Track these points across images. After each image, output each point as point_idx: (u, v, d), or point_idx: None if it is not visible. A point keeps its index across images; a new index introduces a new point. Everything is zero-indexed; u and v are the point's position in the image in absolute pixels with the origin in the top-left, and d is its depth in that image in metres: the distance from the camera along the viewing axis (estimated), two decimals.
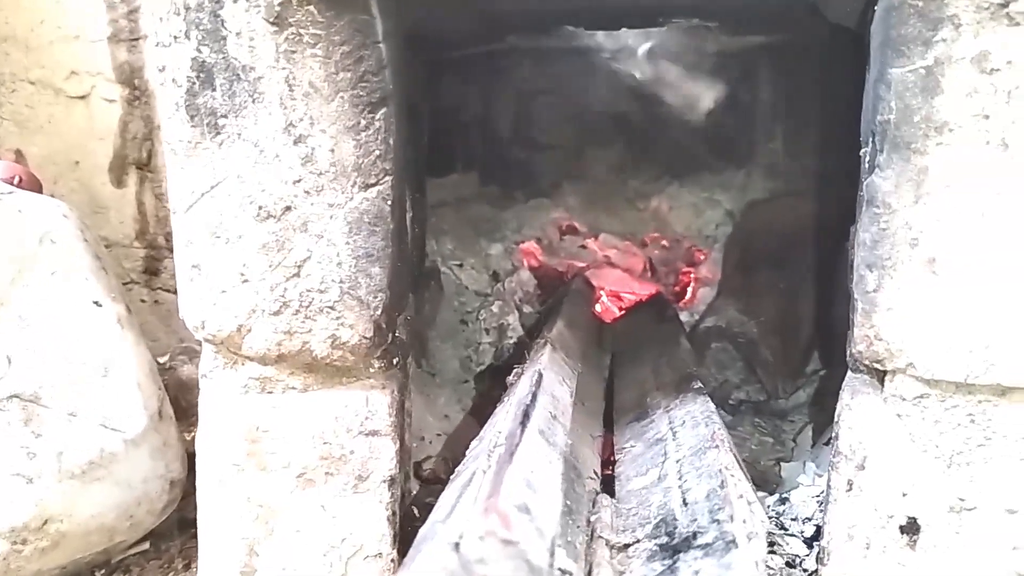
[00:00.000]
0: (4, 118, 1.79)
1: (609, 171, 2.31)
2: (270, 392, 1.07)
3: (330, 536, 1.08)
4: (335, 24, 0.97)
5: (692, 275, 2.23)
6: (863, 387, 1.04)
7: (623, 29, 2.05)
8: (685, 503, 0.94)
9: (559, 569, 0.74)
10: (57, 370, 1.32)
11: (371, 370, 1.08)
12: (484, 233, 2.23)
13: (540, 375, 1.09)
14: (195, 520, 1.46)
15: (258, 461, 1.06)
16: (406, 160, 1.10)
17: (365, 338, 1.04)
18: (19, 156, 1.74)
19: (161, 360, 1.74)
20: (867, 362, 0.99)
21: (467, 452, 1.02)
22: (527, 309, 2.01)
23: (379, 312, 1.04)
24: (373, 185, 1.01)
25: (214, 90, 0.99)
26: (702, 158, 2.20)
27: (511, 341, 1.89)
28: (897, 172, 0.93)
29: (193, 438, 1.55)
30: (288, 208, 1.01)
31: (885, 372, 1.00)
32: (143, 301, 1.84)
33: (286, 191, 1.00)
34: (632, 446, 1.18)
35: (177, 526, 1.51)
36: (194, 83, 0.98)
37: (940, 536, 0.99)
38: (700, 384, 1.28)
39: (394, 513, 1.09)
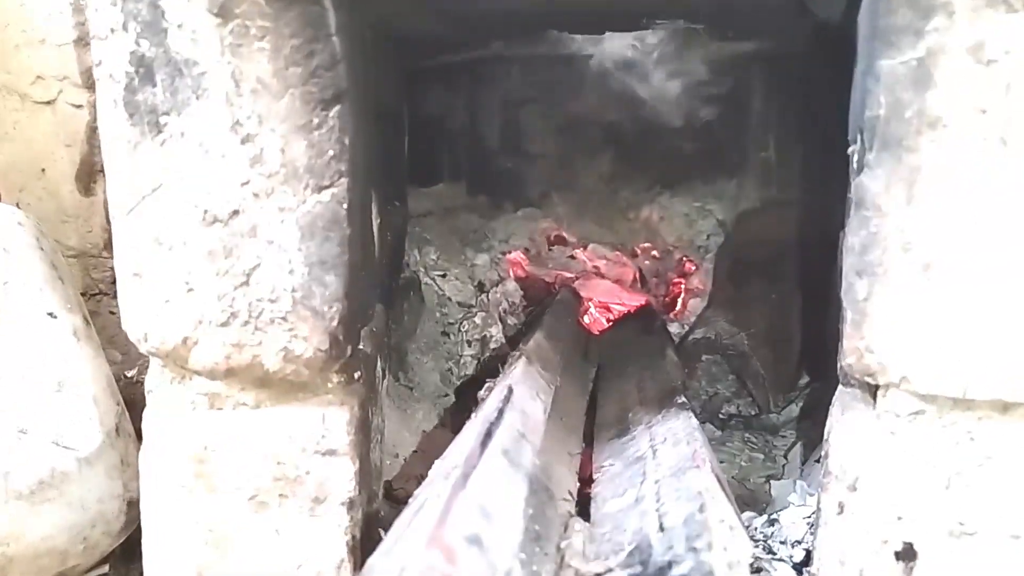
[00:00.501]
0: None
1: (599, 181, 2.26)
2: (219, 409, 1.00)
3: (285, 562, 1.01)
4: (284, 16, 0.90)
5: (682, 286, 2.17)
6: (854, 402, 0.97)
7: (608, 34, 2.00)
8: (662, 528, 0.87)
9: None
10: (7, 384, 1.25)
11: (329, 385, 1.01)
12: (470, 243, 2.17)
13: (510, 390, 1.02)
14: None
15: (207, 483, 1.00)
16: (369, 162, 1.03)
17: (320, 351, 0.97)
18: None
19: (129, 374, 1.67)
20: (858, 376, 0.92)
21: (429, 473, 0.95)
22: (511, 321, 1.95)
23: (335, 323, 0.97)
24: (327, 187, 0.94)
25: (155, 86, 0.92)
26: (693, 168, 2.15)
27: (494, 352, 1.83)
28: (888, 171, 0.87)
29: None
30: (236, 212, 0.94)
31: (877, 387, 0.93)
32: (112, 312, 1.76)
33: (233, 194, 0.94)
34: (611, 464, 1.11)
35: (138, 548, 1.43)
36: (133, 79, 0.92)
37: (938, 564, 0.92)
38: (684, 399, 1.22)
39: (354, 537, 1.02)
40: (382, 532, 1.12)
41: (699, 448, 1.02)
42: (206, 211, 0.94)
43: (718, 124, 2.06)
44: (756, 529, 1.16)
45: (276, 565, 1.01)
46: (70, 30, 1.68)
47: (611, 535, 0.93)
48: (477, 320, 1.90)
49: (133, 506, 1.32)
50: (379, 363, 1.18)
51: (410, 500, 0.88)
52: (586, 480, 1.13)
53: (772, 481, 1.38)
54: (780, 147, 2.04)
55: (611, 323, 2.02)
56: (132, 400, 1.42)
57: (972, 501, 0.90)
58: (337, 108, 0.94)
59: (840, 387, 1.02)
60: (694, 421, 1.11)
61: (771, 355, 1.74)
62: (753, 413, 1.68)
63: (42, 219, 1.39)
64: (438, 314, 1.94)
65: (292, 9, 0.90)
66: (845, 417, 0.97)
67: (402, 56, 1.54)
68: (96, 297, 1.78)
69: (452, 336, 1.89)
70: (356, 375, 1.04)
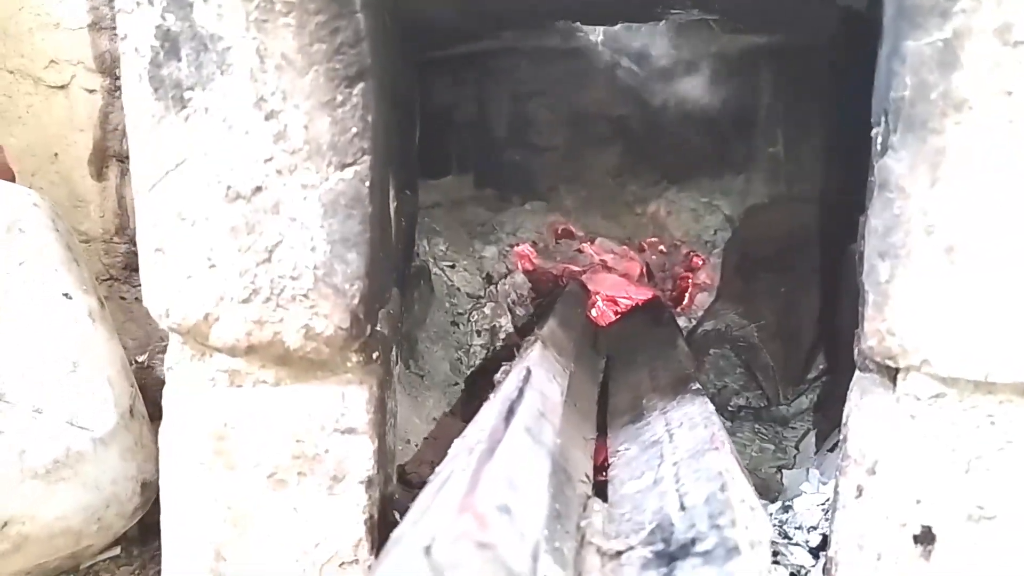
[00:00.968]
0: None
1: (607, 175, 2.26)
2: (239, 386, 1.00)
3: (303, 540, 1.01)
4: None
5: (690, 280, 2.17)
6: (873, 387, 0.97)
7: (618, 27, 2.00)
8: (683, 507, 0.87)
9: None
10: (22, 364, 1.25)
11: (348, 364, 1.01)
12: (478, 235, 2.17)
13: (529, 371, 1.02)
14: None
15: (226, 460, 0.99)
16: (388, 143, 1.03)
17: (341, 329, 0.97)
18: None
19: (140, 359, 1.67)
20: (878, 359, 0.92)
21: (449, 451, 0.95)
22: (520, 312, 1.95)
23: (356, 301, 0.97)
24: (350, 165, 0.94)
25: (179, 60, 0.92)
26: (701, 163, 2.15)
27: (503, 343, 1.83)
28: (912, 153, 0.87)
29: None
30: (259, 188, 0.94)
31: (898, 370, 0.93)
32: (123, 298, 1.77)
33: (257, 170, 0.94)
34: (627, 449, 1.11)
35: (150, 530, 1.44)
36: (158, 53, 0.92)
37: (957, 547, 0.92)
38: (698, 386, 1.21)
39: (371, 516, 1.02)
40: (397, 515, 1.13)
41: (717, 431, 1.02)
42: (229, 187, 0.94)
43: (726, 119, 2.06)
44: (771, 515, 1.16)
45: (294, 543, 1.01)
46: (84, 14, 1.69)
47: (631, 515, 0.93)
48: (486, 311, 1.90)
49: (147, 488, 1.32)
50: (394, 347, 1.18)
51: (431, 477, 0.88)
52: (598, 468, 1.13)
53: (784, 470, 1.38)
54: (789, 142, 2.04)
55: (619, 316, 2.02)
56: (143, 385, 1.43)
57: (991, 485, 0.90)
58: (361, 86, 0.94)
59: (857, 373, 1.02)
60: (710, 406, 1.11)
61: (780, 347, 1.74)
62: (762, 405, 1.68)
63: (54, 203, 1.38)
64: (447, 304, 1.95)
65: None
66: (864, 401, 0.97)
67: (414, 46, 1.54)
68: (107, 282, 1.78)
69: (461, 326, 1.89)
70: (374, 355, 1.04)
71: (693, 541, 0.80)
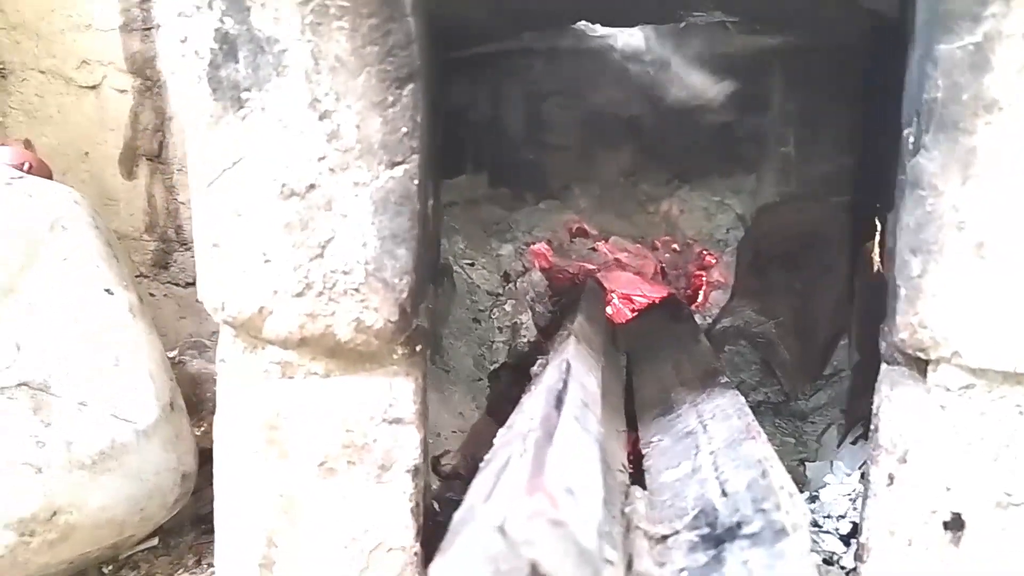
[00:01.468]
0: (13, 108, 1.76)
1: (620, 174, 2.29)
2: (291, 377, 1.03)
3: (352, 528, 1.04)
4: None
5: (704, 278, 2.20)
6: (903, 379, 1.01)
7: (634, 28, 2.03)
8: (724, 494, 0.90)
9: (604, 558, 0.70)
10: (67, 358, 1.28)
11: (395, 356, 1.05)
12: (494, 234, 2.20)
13: (569, 364, 1.06)
14: (206, 516, 1.43)
15: (279, 449, 1.03)
16: (431, 143, 1.07)
17: (390, 322, 1.00)
18: (28, 145, 1.71)
19: (170, 355, 1.70)
20: (910, 351, 0.96)
21: (495, 441, 0.99)
22: (539, 309, 1.98)
23: (404, 295, 1.00)
24: (400, 163, 0.98)
25: (237, 63, 0.95)
26: (713, 162, 2.18)
27: (525, 340, 1.86)
28: (943, 153, 0.90)
29: (204, 433, 1.53)
30: (312, 186, 0.97)
31: (928, 362, 0.97)
32: (152, 295, 1.80)
33: (310, 168, 0.97)
34: (660, 440, 1.15)
35: (188, 522, 1.47)
36: (216, 55, 0.95)
37: (985, 533, 0.95)
38: (727, 379, 1.25)
39: (418, 504, 1.05)
40: (436, 504, 1.16)
41: (751, 422, 1.05)
42: (284, 184, 0.97)
43: (738, 119, 2.09)
44: None
45: (343, 530, 1.04)
46: (116, 15, 1.72)
47: (672, 502, 0.96)
48: (507, 307, 1.94)
49: (187, 479, 1.36)
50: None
51: (482, 464, 0.92)
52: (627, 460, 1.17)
53: (807, 463, 1.41)
54: (800, 143, 2.07)
55: (635, 313, 2.05)
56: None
57: (1019, 472, 0.94)
58: (410, 87, 0.97)
59: (884, 366, 1.05)
60: (740, 398, 1.14)
61: (797, 343, 1.77)
62: (781, 400, 1.71)
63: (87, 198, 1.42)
64: (468, 301, 1.98)
65: None
66: (894, 393, 1.00)
67: (441, 47, 1.57)
68: (137, 279, 1.81)
69: (483, 323, 1.92)
70: (418, 348, 1.07)
71: (739, 524, 0.83)
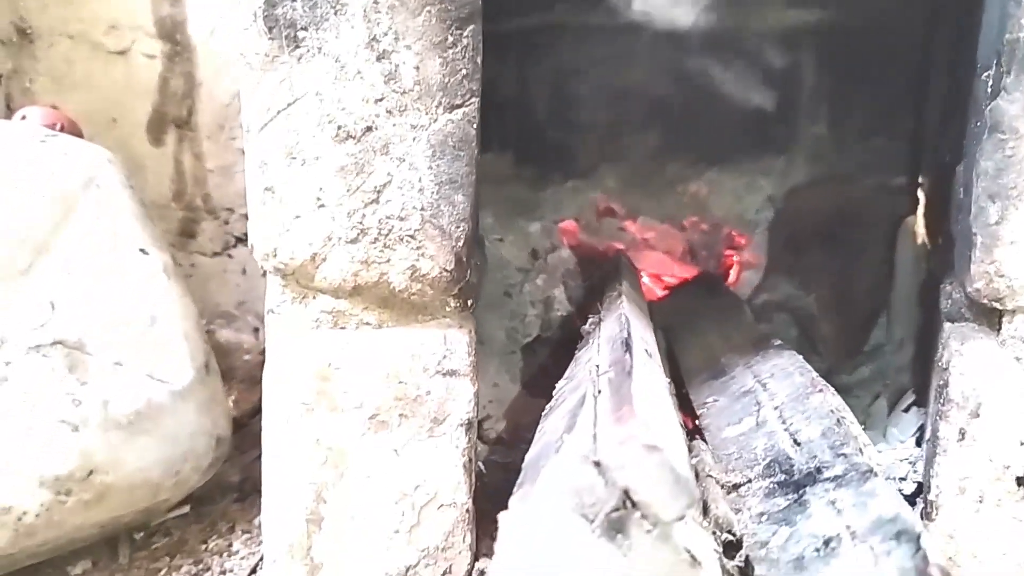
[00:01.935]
0: (40, 74, 1.73)
1: (648, 154, 2.26)
2: (343, 328, 1.01)
3: (402, 483, 1.01)
4: None
5: (734, 258, 2.17)
6: (974, 333, 0.98)
7: (664, 4, 2.00)
8: (797, 443, 0.88)
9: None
10: (102, 318, 1.25)
11: (447, 309, 1.02)
12: (522, 212, 2.17)
13: (628, 318, 1.03)
14: (238, 484, 1.41)
15: (329, 401, 1.00)
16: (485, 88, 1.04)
17: (446, 271, 0.97)
18: (57, 108, 1.68)
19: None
20: (985, 301, 0.93)
21: (555, 393, 0.96)
22: (572, 283, 1.95)
23: (461, 244, 0.97)
24: (459, 107, 0.95)
25: (294, 0, 0.92)
26: (743, 143, 2.15)
27: (558, 314, 1.83)
28: None
29: (234, 401, 1.50)
30: (368, 129, 0.95)
31: (1003, 313, 0.94)
32: (179, 265, 1.76)
33: (367, 110, 0.94)
34: (715, 400, 1.12)
35: (219, 490, 1.44)
36: None
37: None
38: (781, 342, 1.22)
39: (470, 460, 1.02)
40: (482, 466, 1.14)
41: (815, 376, 1.02)
42: (340, 127, 0.95)
43: (769, 98, 2.06)
44: None
45: (393, 485, 1.01)
46: None
47: (739, 454, 0.94)
48: (539, 282, 1.91)
49: (221, 443, 1.33)
50: None
51: (546, 411, 0.89)
52: None
53: None
54: (833, 122, 2.04)
55: (668, 290, 2.02)
56: None
57: None
58: (471, 28, 0.95)
59: (947, 325, 1.03)
60: (799, 357, 1.12)
61: (836, 319, 1.75)
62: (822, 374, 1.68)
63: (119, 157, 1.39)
64: (499, 276, 1.95)
65: None
66: (965, 347, 0.97)
67: None
68: None
69: (514, 297, 1.90)
70: (469, 303, 1.05)
71: (818, 469, 0.80)
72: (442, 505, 1.02)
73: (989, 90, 0.91)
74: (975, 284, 0.92)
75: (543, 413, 0.90)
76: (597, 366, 0.87)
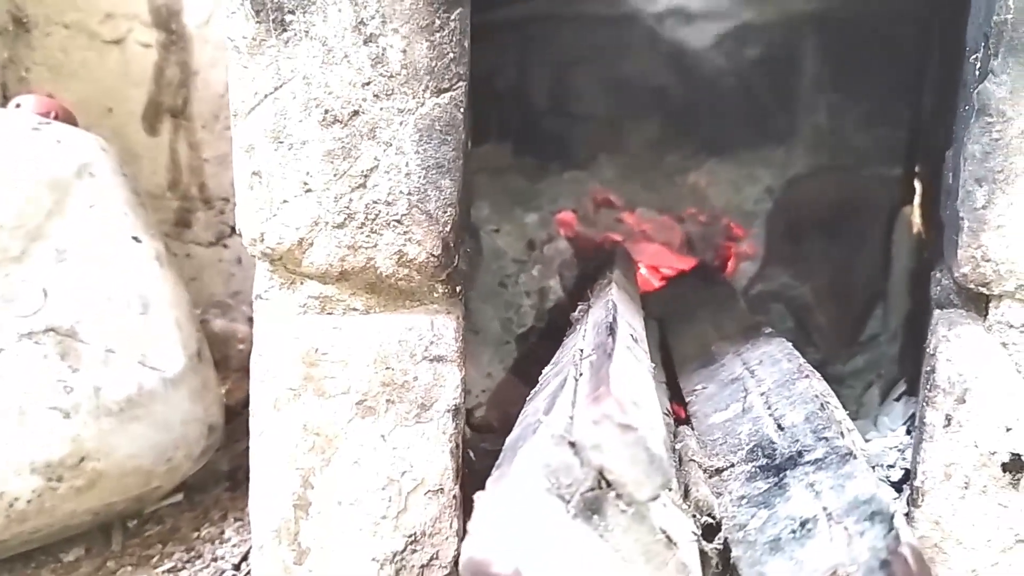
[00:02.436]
0: (36, 62, 1.73)
1: (646, 145, 2.25)
2: (330, 313, 1.01)
3: (389, 468, 1.01)
4: None
5: (732, 249, 2.17)
6: (961, 319, 0.98)
7: None
8: (781, 428, 0.88)
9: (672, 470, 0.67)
10: (95, 305, 1.26)
11: (435, 295, 1.02)
12: (519, 203, 2.17)
13: (615, 304, 1.03)
14: (231, 472, 1.41)
15: (316, 386, 1.00)
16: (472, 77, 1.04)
17: (433, 256, 0.97)
18: (52, 96, 1.68)
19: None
20: (971, 286, 0.93)
21: (541, 378, 0.96)
22: (567, 274, 1.95)
23: (448, 229, 0.97)
24: (446, 91, 0.95)
25: None
26: (742, 134, 2.14)
27: (553, 304, 1.84)
28: (1013, 77, 0.87)
29: (228, 390, 1.50)
30: (356, 113, 0.95)
31: (989, 298, 0.94)
32: (175, 254, 1.77)
33: (354, 94, 0.94)
34: (704, 387, 1.12)
35: (212, 478, 1.45)
36: None
37: None
38: (771, 330, 1.22)
39: (457, 446, 1.02)
40: (471, 453, 1.14)
41: (803, 363, 1.02)
42: (327, 111, 0.95)
43: (768, 88, 2.06)
44: None
45: (381, 471, 1.01)
46: None
47: (723, 439, 0.94)
48: (534, 273, 1.91)
49: (213, 431, 1.33)
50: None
51: (531, 394, 0.89)
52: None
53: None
54: (833, 113, 2.04)
55: (665, 281, 2.02)
56: None
57: None
58: (458, 11, 0.94)
59: (937, 312, 1.03)
60: (788, 344, 1.11)
61: (832, 309, 1.74)
62: (816, 364, 1.68)
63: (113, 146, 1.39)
64: (494, 266, 1.95)
65: None
66: (952, 333, 0.97)
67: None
68: None
69: (509, 287, 1.90)
70: (457, 289, 1.05)
71: (799, 453, 0.80)
72: (429, 491, 1.02)
73: (977, 73, 0.91)
74: (962, 269, 0.92)
75: (528, 398, 0.90)
76: (581, 351, 0.87)
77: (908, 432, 1.19)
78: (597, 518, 0.62)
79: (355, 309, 1.01)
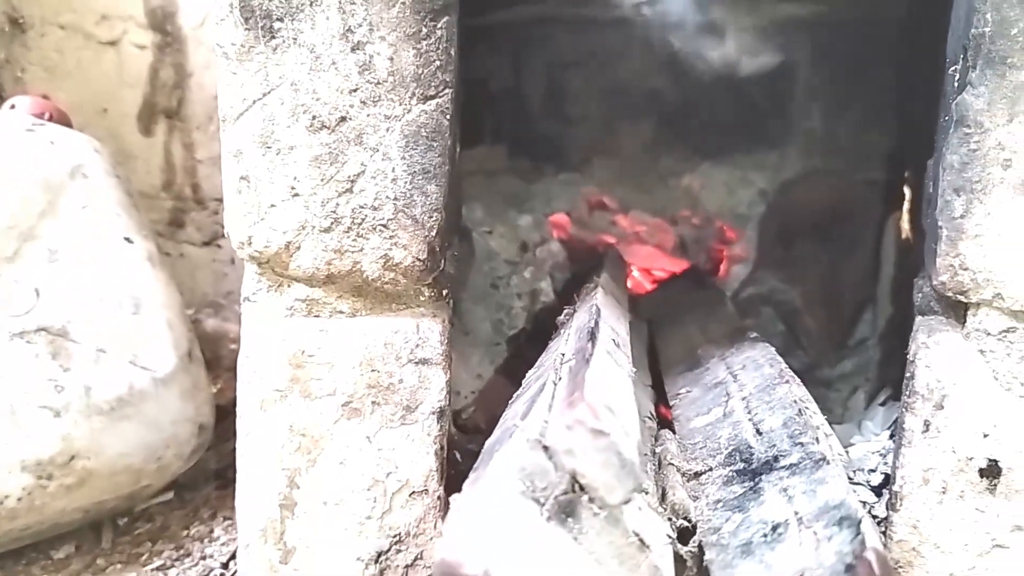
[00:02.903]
0: (32, 63, 1.74)
1: (640, 148, 2.26)
2: (316, 316, 1.02)
3: (375, 470, 1.03)
4: None
5: (724, 252, 2.18)
6: (940, 326, 0.99)
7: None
8: (759, 432, 0.89)
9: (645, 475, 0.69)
10: (86, 305, 1.27)
11: (421, 298, 1.03)
12: (513, 205, 2.18)
13: (599, 308, 1.04)
14: (221, 471, 1.43)
15: (302, 388, 1.01)
16: (460, 82, 1.05)
17: (418, 260, 0.99)
18: (47, 97, 1.69)
19: (187, 312, 1.69)
20: (950, 294, 0.94)
21: (524, 381, 0.97)
22: (558, 276, 1.97)
23: (434, 233, 0.99)
24: (432, 97, 0.96)
25: None
26: (735, 137, 2.15)
27: (542, 307, 1.85)
28: (990, 89, 0.88)
29: (220, 389, 1.52)
30: (343, 119, 0.96)
31: (968, 306, 0.95)
32: (168, 254, 1.78)
33: (341, 101, 0.96)
34: (688, 391, 1.13)
35: (203, 477, 1.46)
36: None
37: (1022, 480, 0.93)
38: (756, 335, 1.23)
39: (442, 448, 1.04)
40: (457, 454, 1.15)
41: (784, 368, 1.03)
42: (314, 117, 0.96)
43: (762, 93, 2.07)
44: None
45: (366, 472, 1.02)
46: None
47: (704, 443, 0.95)
48: (526, 275, 1.92)
49: (203, 431, 1.34)
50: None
51: (512, 399, 0.90)
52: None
53: (834, 425, 1.39)
54: (826, 117, 2.05)
55: (656, 283, 2.03)
56: None
57: None
58: (445, 19, 0.95)
59: (919, 318, 1.04)
60: (772, 350, 1.13)
61: (822, 313, 1.75)
62: (805, 368, 1.69)
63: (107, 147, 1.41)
64: (486, 267, 1.96)
65: None
66: (931, 339, 0.98)
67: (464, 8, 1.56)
68: None
69: (501, 289, 1.91)
70: (444, 292, 1.06)
71: (775, 458, 0.81)
72: (414, 492, 1.03)
73: (956, 84, 0.92)
74: (940, 277, 0.93)
75: (509, 402, 0.91)
76: (563, 355, 0.88)
77: (891, 437, 1.20)
78: (571, 521, 0.63)
79: (341, 312, 1.02)
